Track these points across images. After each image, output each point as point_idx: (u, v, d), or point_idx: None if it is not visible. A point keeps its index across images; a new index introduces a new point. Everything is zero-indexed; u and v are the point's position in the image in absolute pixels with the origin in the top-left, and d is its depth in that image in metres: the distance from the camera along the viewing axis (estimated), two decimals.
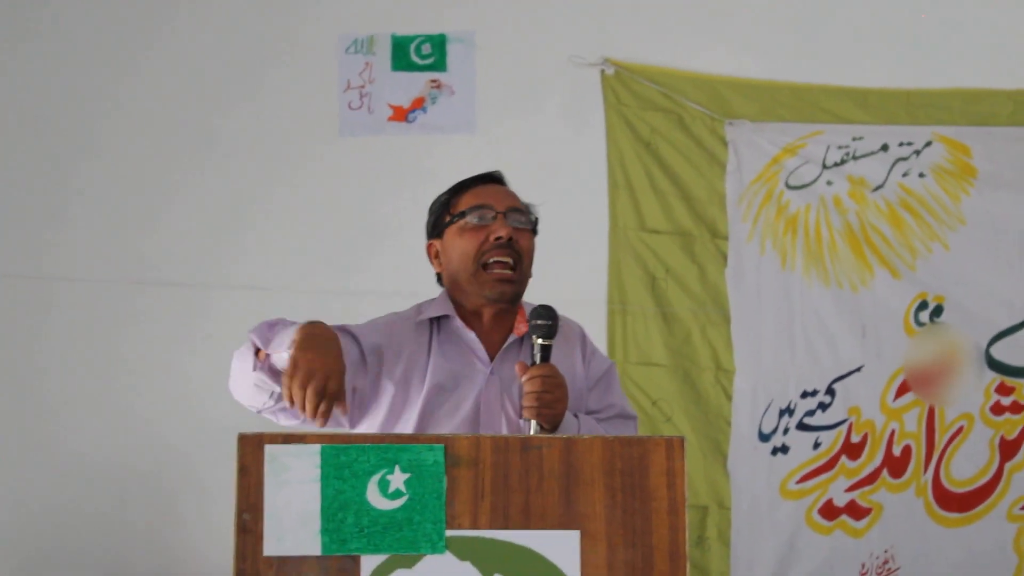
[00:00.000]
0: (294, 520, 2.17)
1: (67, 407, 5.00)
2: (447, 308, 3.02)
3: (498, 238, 2.97)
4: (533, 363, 2.87)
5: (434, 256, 3.10)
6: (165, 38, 5.17)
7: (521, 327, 3.03)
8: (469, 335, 3.01)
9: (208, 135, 5.13)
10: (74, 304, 5.04)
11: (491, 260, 2.98)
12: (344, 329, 2.94)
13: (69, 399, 5.00)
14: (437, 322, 3.03)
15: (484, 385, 2.96)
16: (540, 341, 2.87)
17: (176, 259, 5.08)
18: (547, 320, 2.88)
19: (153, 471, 4.96)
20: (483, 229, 3.00)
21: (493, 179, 3.12)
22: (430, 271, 4.80)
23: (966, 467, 4.94)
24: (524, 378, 2.84)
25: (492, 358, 3.00)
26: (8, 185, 5.11)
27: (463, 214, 3.02)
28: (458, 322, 3.02)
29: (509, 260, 2.99)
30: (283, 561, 2.17)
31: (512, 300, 3.02)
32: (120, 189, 5.11)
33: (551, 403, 2.81)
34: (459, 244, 3.01)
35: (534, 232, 3.09)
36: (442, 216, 3.08)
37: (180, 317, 5.06)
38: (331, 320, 4.94)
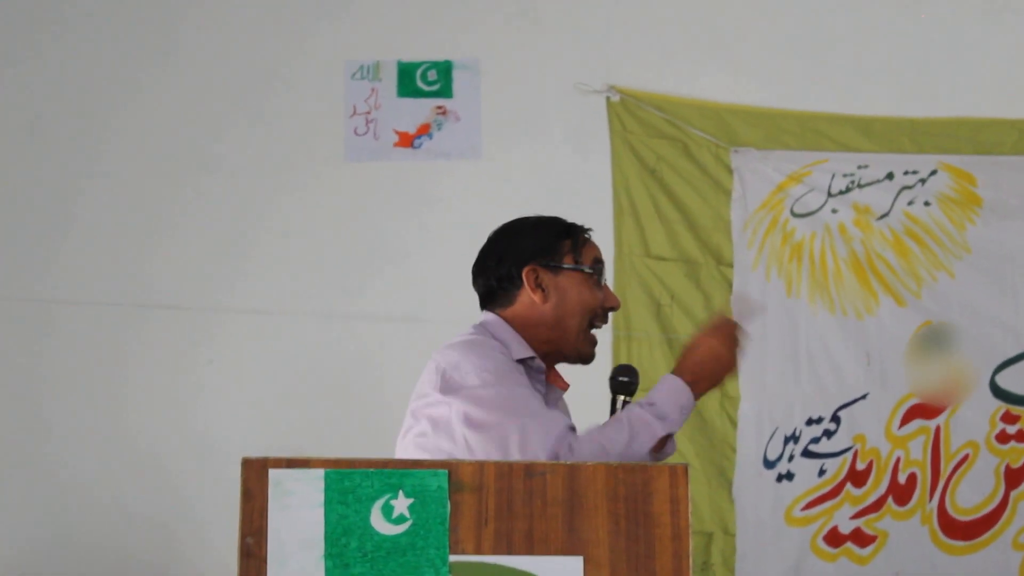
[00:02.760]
0: (298, 544, 2.17)
1: (67, 431, 5.00)
2: (530, 350, 2.99)
3: (613, 308, 3.06)
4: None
5: (534, 282, 3.02)
6: (171, 61, 5.19)
7: (560, 382, 3.08)
8: (541, 378, 3.02)
9: (213, 159, 5.15)
10: (75, 327, 5.05)
11: (596, 323, 3.05)
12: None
13: (69, 423, 5.00)
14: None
15: None
16: (623, 398, 2.99)
17: (179, 282, 5.08)
18: (629, 379, 3.00)
19: (154, 495, 4.96)
20: (599, 290, 3.04)
21: None
22: (435, 295, 4.85)
23: (971, 495, 4.93)
24: None
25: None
26: (9, 207, 5.12)
27: (594, 269, 3.05)
28: (540, 364, 3.01)
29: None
30: None
31: None
32: (123, 212, 5.12)
33: None
34: (583, 294, 3.02)
35: None
36: (563, 254, 3.04)
37: (182, 340, 5.06)
38: (337, 346, 4.98)
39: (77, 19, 5.21)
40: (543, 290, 3.01)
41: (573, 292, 3.02)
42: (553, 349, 3.03)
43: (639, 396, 2.99)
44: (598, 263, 3.06)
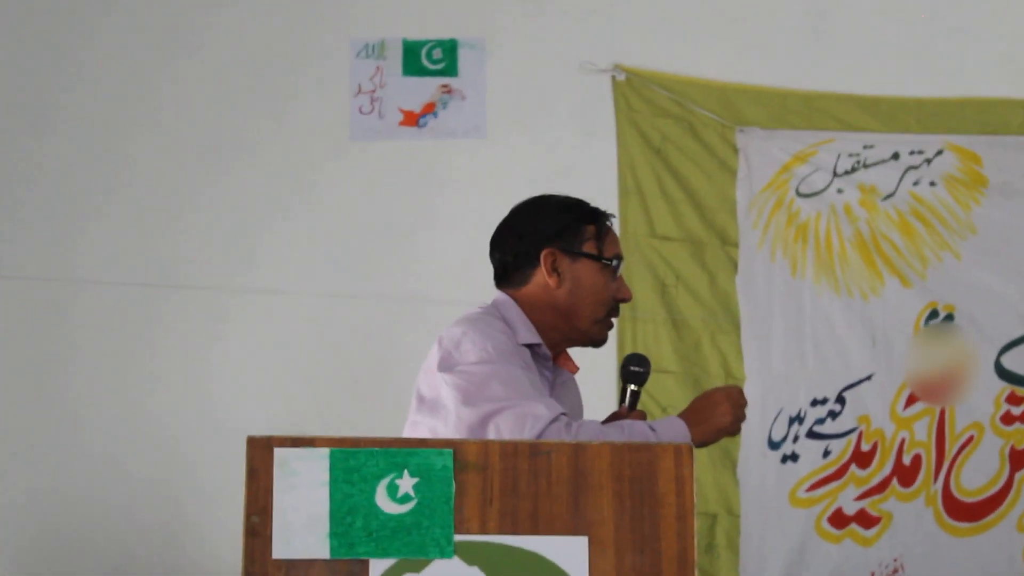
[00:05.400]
0: (303, 523, 2.17)
1: (86, 408, 5.03)
2: (537, 336, 2.96)
3: (625, 300, 3.02)
4: (628, 407, 3.00)
5: (551, 266, 2.97)
6: (181, 44, 5.19)
7: (570, 364, 3.07)
8: (548, 364, 3.00)
9: (218, 139, 5.14)
10: (93, 307, 5.08)
11: (611, 315, 3.03)
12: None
13: (88, 400, 5.04)
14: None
15: None
16: (632, 387, 2.99)
17: (191, 263, 5.10)
18: (641, 368, 2.99)
19: (168, 472, 5.00)
20: (615, 282, 3.00)
21: None
22: (441, 275, 4.86)
23: (976, 477, 4.93)
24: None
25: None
26: (31, 189, 5.13)
27: (613, 259, 3.00)
28: (546, 351, 2.98)
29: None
30: (292, 564, 2.18)
31: None
32: (138, 194, 5.14)
33: None
34: (599, 283, 2.98)
35: None
36: (584, 240, 2.99)
37: (195, 320, 5.08)
38: (344, 325, 4.99)
39: (93, 8, 5.21)
40: (559, 275, 2.96)
41: (588, 281, 2.97)
42: (561, 335, 3.00)
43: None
44: (618, 257, 3.01)
